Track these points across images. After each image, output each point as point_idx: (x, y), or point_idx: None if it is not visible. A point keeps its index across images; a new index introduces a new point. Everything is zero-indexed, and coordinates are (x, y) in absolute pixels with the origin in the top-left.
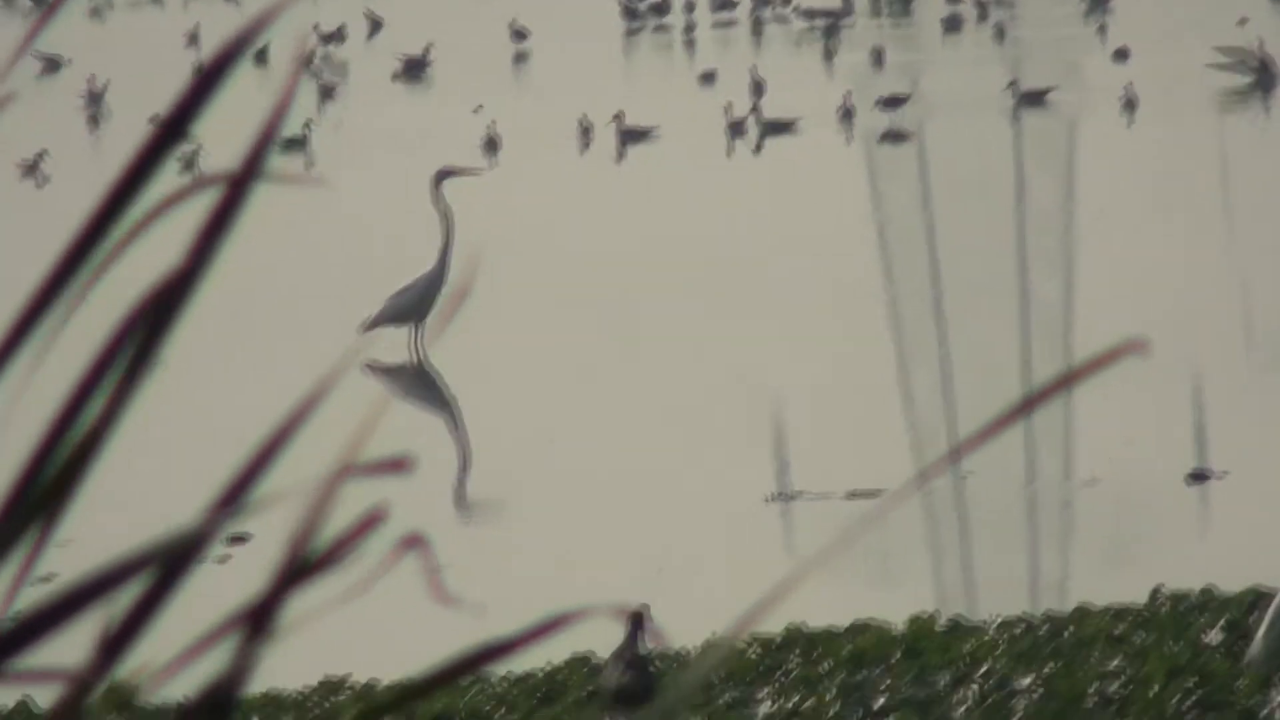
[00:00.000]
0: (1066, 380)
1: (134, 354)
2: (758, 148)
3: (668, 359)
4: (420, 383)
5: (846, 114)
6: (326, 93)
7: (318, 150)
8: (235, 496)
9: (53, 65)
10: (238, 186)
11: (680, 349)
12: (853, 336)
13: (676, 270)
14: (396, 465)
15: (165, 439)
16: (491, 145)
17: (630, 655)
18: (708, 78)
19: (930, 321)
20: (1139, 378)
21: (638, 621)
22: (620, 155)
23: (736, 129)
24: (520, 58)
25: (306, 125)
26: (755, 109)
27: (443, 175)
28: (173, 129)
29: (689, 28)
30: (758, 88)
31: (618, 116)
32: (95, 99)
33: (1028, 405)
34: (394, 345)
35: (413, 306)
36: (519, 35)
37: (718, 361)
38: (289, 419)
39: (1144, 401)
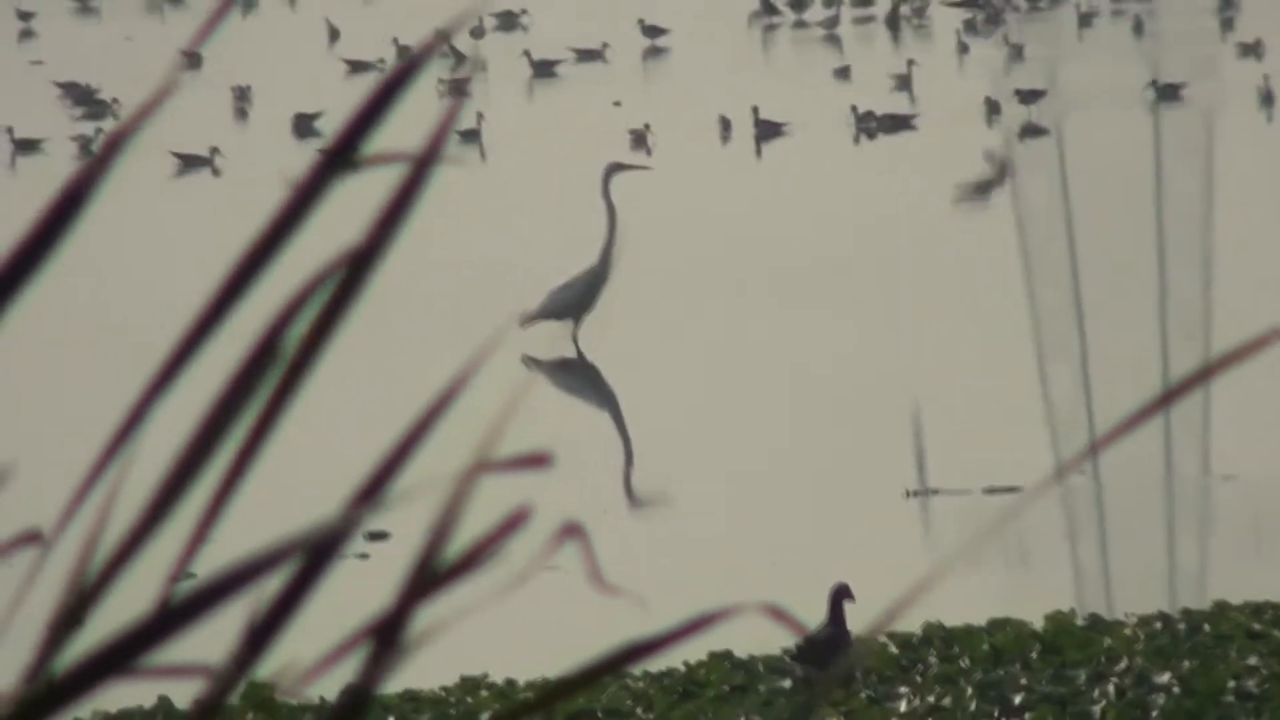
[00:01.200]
0: (1206, 372)
1: (309, 335)
2: (865, 137)
3: (809, 353)
4: (583, 377)
5: (993, 107)
6: (458, 88)
7: (474, 143)
8: (376, 490)
9: (195, 61)
10: (420, 169)
11: (820, 343)
12: (992, 331)
13: (815, 266)
14: (536, 461)
15: (317, 431)
16: (640, 139)
17: (833, 624)
18: (842, 73)
19: (1070, 316)
20: (1277, 373)
21: (841, 595)
22: (758, 151)
23: (864, 124)
24: (654, 52)
25: (479, 117)
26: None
27: (612, 170)
28: (345, 148)
29: (830, 23)
30: (903, 82)
31: (755, 110)
32: (243, 94)
33: (1165, 399)
34: (534, 340)
35: (575, 302)
36: (653, 31)
37: (857, 355)
38: (429, 410)
39: None
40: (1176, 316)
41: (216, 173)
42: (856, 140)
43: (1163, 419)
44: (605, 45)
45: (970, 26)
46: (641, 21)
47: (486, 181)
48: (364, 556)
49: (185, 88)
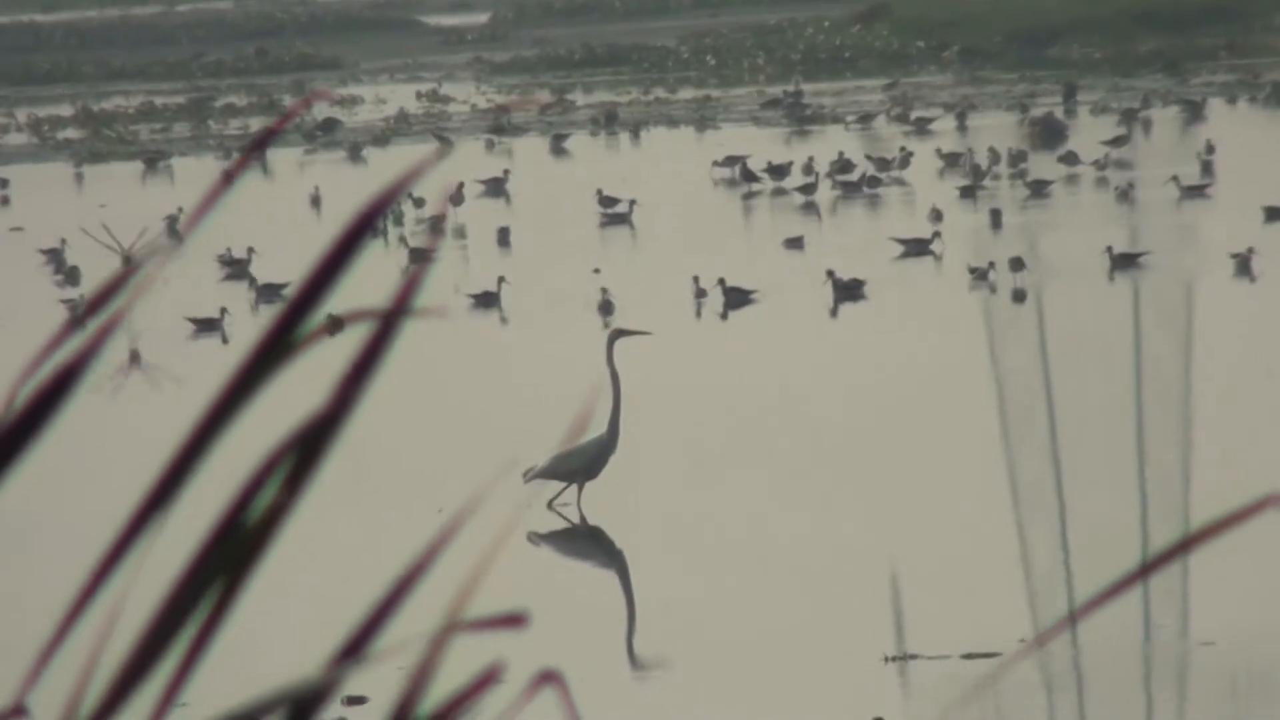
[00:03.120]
0: (1187, 544)
1: (281, 490)
2: (833, 310)
3: (790, 518)
4: (589, 540)
5: (981, 275)
6: (419, 255)
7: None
8: (358, 648)
9: (172, 226)
10: (382, 332)
11: (801, 507)
12: (970, 495)
13: (796, 428)
14: (512, 621)
15: (304, 589)
16: (607, 307)
17: None
18: (794, 242)
19: (1049, 480)
20: (1256, 539)
21: None
22: (724, 316)
23: (841, 291)
24: (616, 220)
25: (500, 281)
26: (831, 273)
27: (616, 336)
28: (303, 304)
29: (808, 189)
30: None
31: (721, 281)
32: (233, 263)
33: (1145, 571)
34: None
35: (582, 467)
36: (609, 201)
37: (837, 519)
38: (410, 569)
39: (1262, 562)
40: (1155, 480)
41: (226, 340)
42: (834, 312)
43: (1140, 565)
44: (608, 194)
45: (964, 193)
46: (603, 197)
47: (468, 343)
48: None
49: (180, 254)
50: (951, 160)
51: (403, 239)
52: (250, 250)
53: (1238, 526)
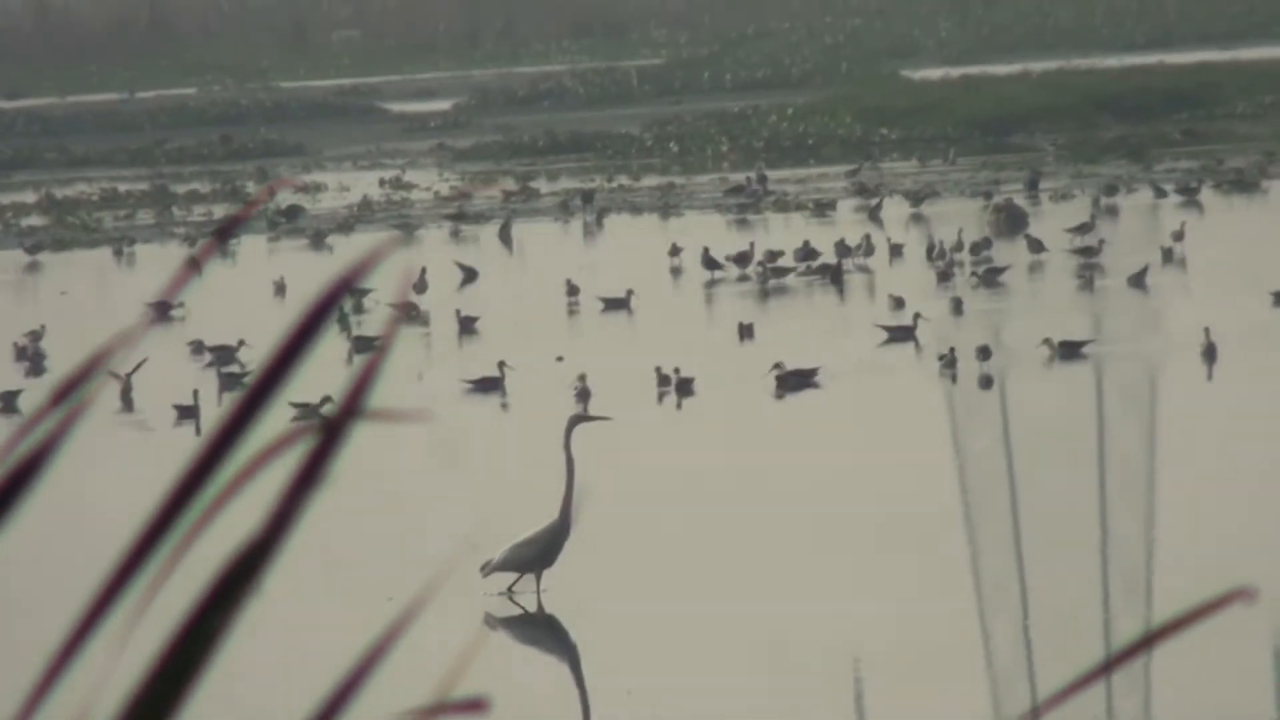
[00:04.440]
0: (1151, 639)
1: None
2: (784, 392)
3: (750, 606)
4: (545, 628)
5: (949, 363)
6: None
7: (410, 396)
8: None
9: (164, 310)
10: (333, 432)
11: (761, 596)
12: (932, 584)
13: (756, 517)
14: (474, 706)
15: (266, 676)
16: (584, 394)
17: None
18: (747, 330)
19: (1011, 568)
20: (1220, 624)
21: None
22: (679, 405)
23: (779, 380)
24: (607, 306)
25: (501, 366)
26: (778, 365)
27: (575, 421)
28: (265, 388)
29: (762, 276)
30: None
31: (676, 371)
32: (211, 350)
33: (1108, 667)
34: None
35: (538, 556)
36: (574, 289)
37: (797, 609)
38: (363, 661)
39: (1225, 650)
40: (1119, 567)
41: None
42: (780, 398)
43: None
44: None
45: (944, 275)
46: (571, 287)
47: (427, 434)
48: None
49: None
50: (916, 248)
51: (349, 330)
52: (240, 342)
53: (1206, 619)
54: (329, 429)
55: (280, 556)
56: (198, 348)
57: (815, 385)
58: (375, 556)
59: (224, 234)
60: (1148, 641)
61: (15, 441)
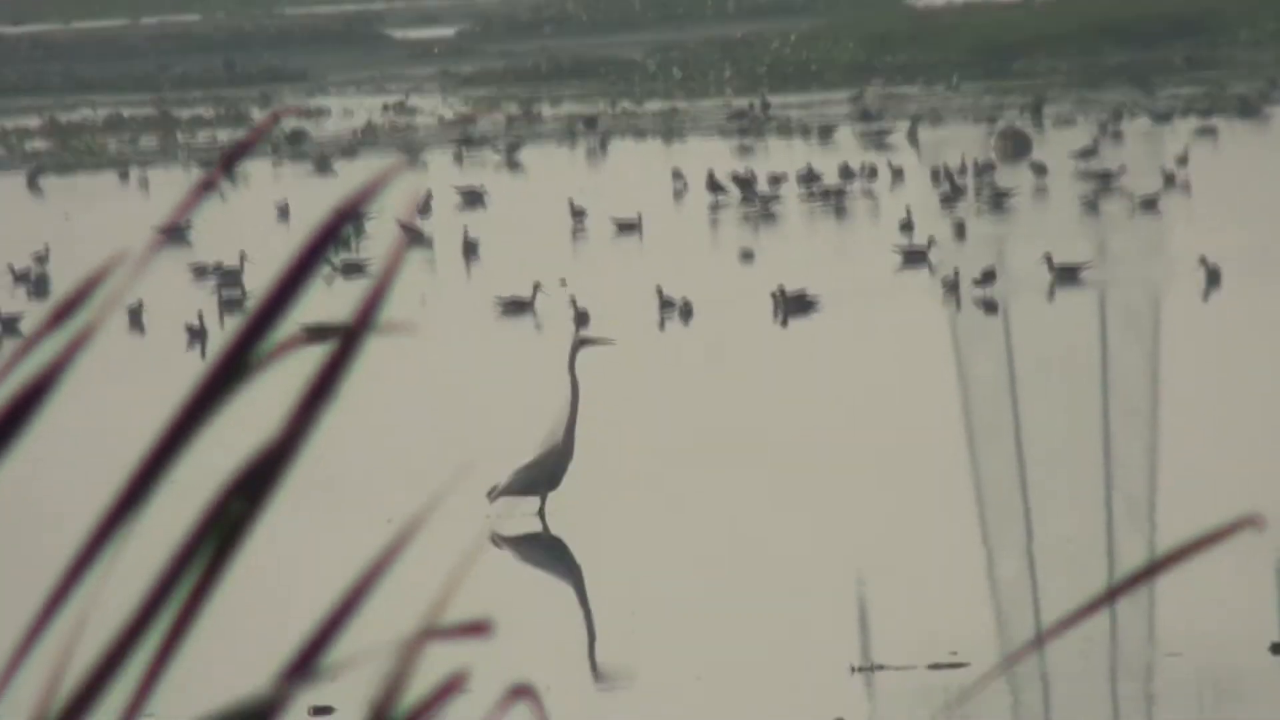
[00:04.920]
0: (1155, 568)
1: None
2: (784, 321)
3: (758, 528)
4: (550, 551)
5: (952, 286)
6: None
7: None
8: (308, 663)
9: (177, 235)
10: (346, 344)
11: (767, 517)
12: (938, 507)
13: (763, 439)
14: (477, 629)
15: (265, 599)
16: (583, 318)
17: None
18: (748, 255)
19: (1015, 490)
20: (1222, 550)
21: None
22: (661, 327)
23: (779, 303)
24: (621, 230)
25: (536, 287)
26: (781, 289)
27: (579, 344)
28: (266, 316)
29: (766, 200)
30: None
31: (676, 297)
32: (216, 271)
33: (1112, 595)
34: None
35: (543, 479)
36: (580, 214)
37: (804, 531)
38: (358, 583)
39: (1227, 573)
40: (1122, 488)
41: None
42: (780, 322)
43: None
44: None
45: (952, 196)
46: (571, 202)
47: (435, 355)
48: None
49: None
50: (919, 172)
51: (337, 255)
52: (242, 256)
53: (1214, 546)
54: (343, 340)
55: (294, 465)
56: (202, 271)
57: (814, 309)
58: (377, 479)
59: (230, 160)
60: (1157, 568)
61: (14, 362)
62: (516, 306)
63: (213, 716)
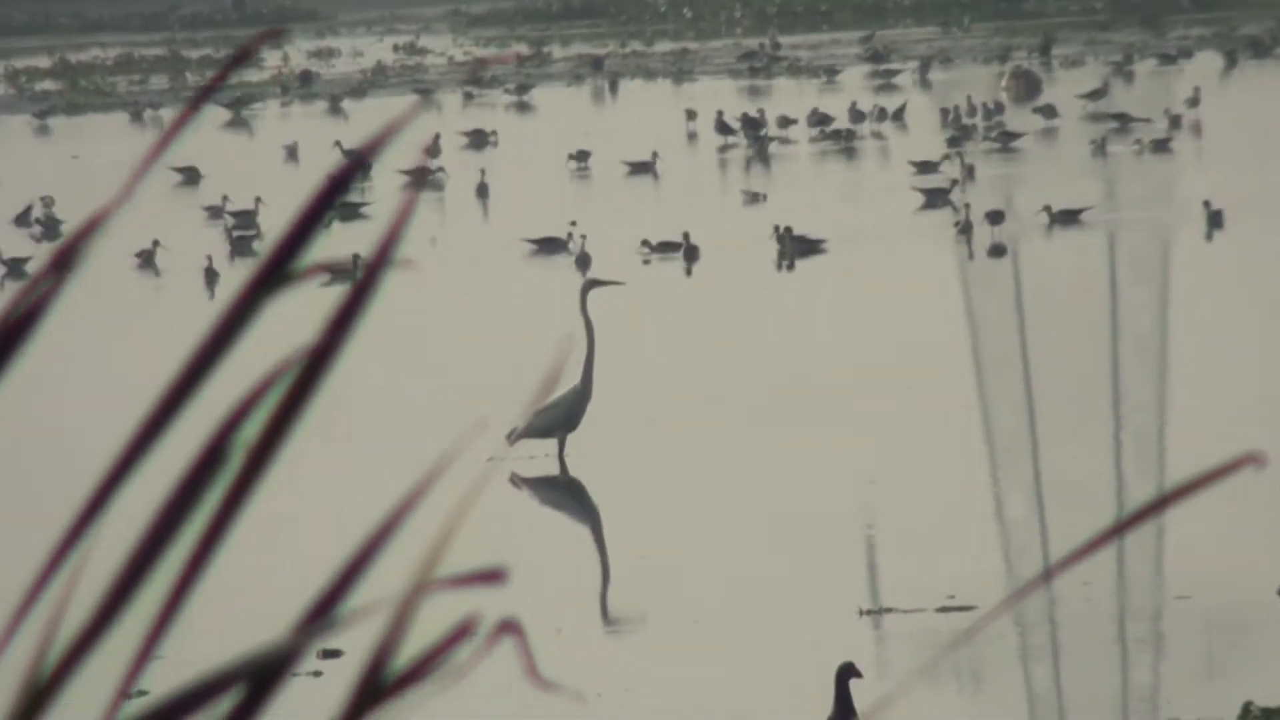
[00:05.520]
0: (1162, 503)
1: (264, 435)
2: (791, 264)
3: (769, 472)
4: (568, 493)
5: (963, 228)
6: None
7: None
8: (326, 610)
9: (192, 177)
10: (367, 279)
11: (779, 462)
12: (945, 449)
13: (770, 384)
14: (489, 577)
15: (281, 543)
16: (584, 260)
17: (839, 707)
18: (757, 197)
19: (1024, 434)
20: (1230, 492)
21: (847, 675)
22: (689, 271)
23: (784, 245)
24: (640, 169)
25: (572, 225)
26: (784, 230)
27: (589, 286)
28: (282, 259)
29: (762, 142)
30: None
31: (678, 239)
32: (231, 214)
33: (1119, 529)
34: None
35: (560, 421)
36: (583, 155)
37: (812, 474)
38: (379, 529)
39: (1235, 515)
40: (1130, 432)
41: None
42: (786, 264)
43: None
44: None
45: (948, 144)
46: (579, 153)
47: (447, 296)
48: (317, 674)
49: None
50: (929, 113)
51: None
52: (258, 200)
53: (1214, 484)
54: (364, 274)
55: (324, 384)
56: (216, 212)
57: (821, 250)
58: (406, 422)
59: (213, 86)
60: (1157, 506)
61: (15, 307)
62: (550, 245)
63: (232, 662)
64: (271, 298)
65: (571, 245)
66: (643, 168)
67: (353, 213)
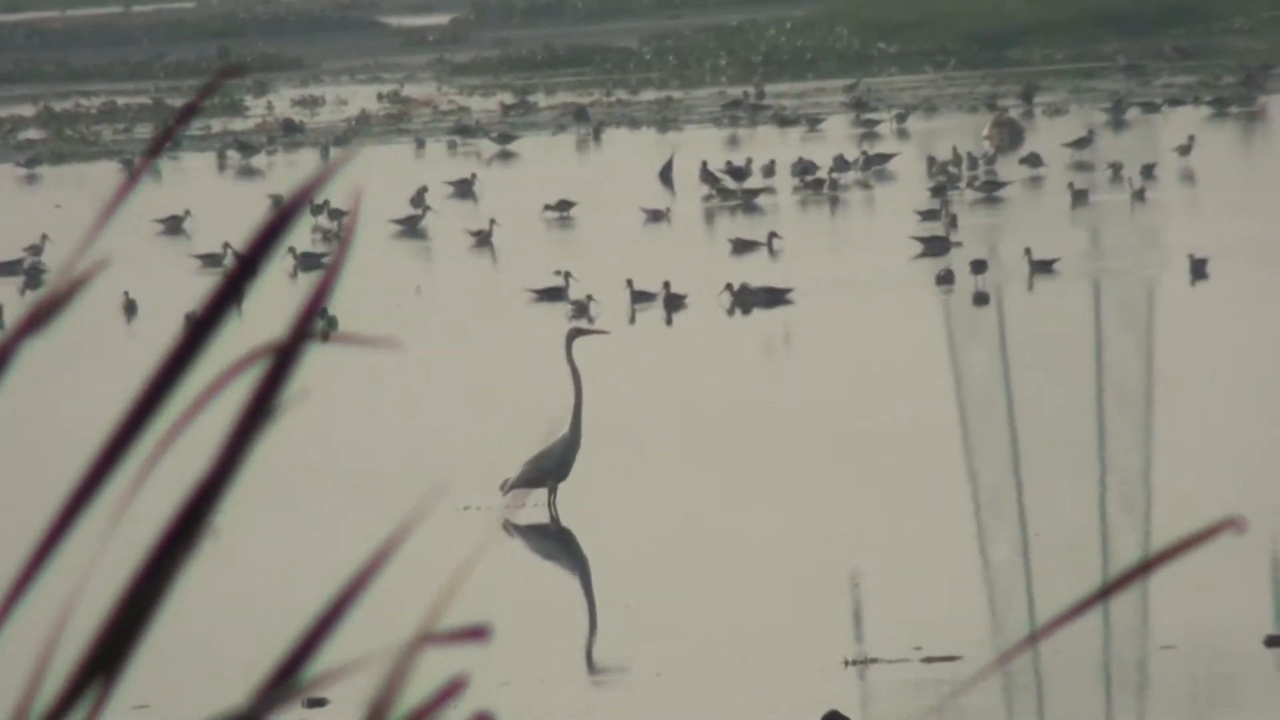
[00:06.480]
0: (1149, 565)
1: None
2: (743, 311)
3: (750, 519)
4: (559, 542)
5: (945, 278)
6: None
7: (413, 317)
8: (291, 671)
9: (173, 225)
10: (285, 354)
11: (761, 509)
12: (932, 499)
13: (752, 432)
14: (474, 634)
15: (259, 602)
16: (582, 309)
17: None
18: (744, 245)
19: (1009, 484)
20: (1216, 541)
21: None
22: (669, 320)
23: (737, 297)
24: (566, 223)
25: (567, 276)
26: (742, 285)
27: (574, 334)
28: (211, 318)
29: (756, 193)
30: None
31: (666, 286)
32: (200, 258)
33: (1105, 593)
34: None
35: (552, 469)
36: (565, 205)
37: (798, 522)
38: (346, 590)
39: (1221, 566)
40: (1115, 483)
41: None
42: (735, 312)
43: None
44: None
45: (931, 194)
46: (559, 203)
47: (430, 350)
48: None
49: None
50: (914, 162)
51: (291, 250)
52: (226, 246)
53: (1198, 548)
54: (281, 353)
55: (232, 491)
56: (213, 259)
57: (788, 302)
58: (402, 472)
59: (161, 144)
60: (1140, 571)
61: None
62: (551, 294)
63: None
64: (206, 353)
65: (571, 294)
66: (657, 216)
67: (314, 264)
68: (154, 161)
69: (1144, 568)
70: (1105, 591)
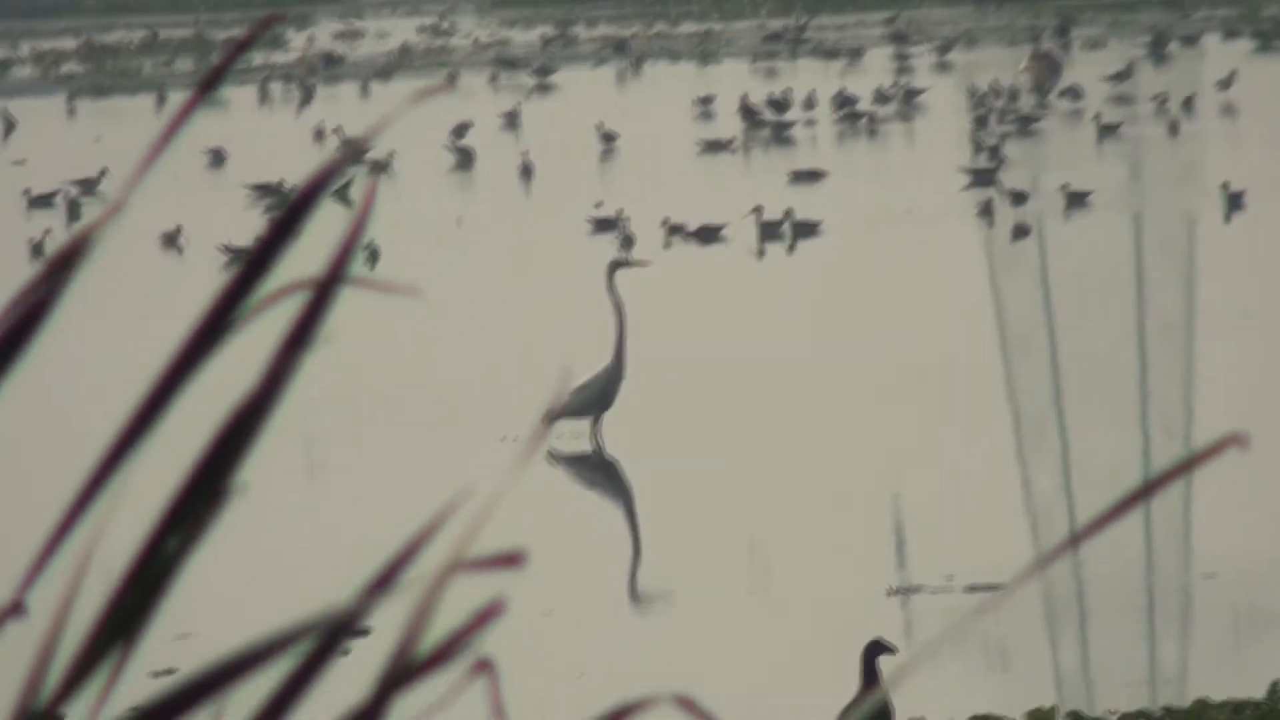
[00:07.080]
0: (1185, 466)
1: (219, 468)
2: (791, 247)
3: (798, 450)
4: (602, 472)
5: (985, 209)
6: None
7: (462, 243)
8: (388, 579)
9: (218, 158)
10: (322, 293)
11: (808, 440)
12: (973, 427)
13: (798, 362)
14: (509, 561)
15: (327, 531)
16: (628, 241)
17: (868, 688)
18: (804, 175)
19: (1051, 412)
20: (1258, 471)
21: (875, 651)
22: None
23: (768, 230)
24: (609, 154)
25: (619, 213)
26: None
27: (615, 266)
28: (256, 267)
29: (783, 126)
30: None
31: (675, 225)
32: (256, 189)
33: (1145, 492)
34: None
35: (595, 400)
36: (609, 138)
37: (841, 452)
38: (445, 509)
39: (1263, 494)
40: (1157, 411)
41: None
42: (781, 247)
43: (1143, 518)
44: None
45: (974, 126)
46: (600, 127)
47: (473, 283)
48: (345, 652)
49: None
50: (953, 94)
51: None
52: (282, 182)
53: (1199, 468)
54: (318, 290)
55: (272, 417)
56: (265, 190)
57: (819, 234)
58: (478, 396)
59: (212, 83)
60: (1177, 473)
61: (13, 309)
62: (605, 225)
63: (269, 639)
64: (252, 300)
65: (619, 227)
66: (717, 146)
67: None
68: (206, 96)
69: (1178, 471)
70: (1142, 493)
